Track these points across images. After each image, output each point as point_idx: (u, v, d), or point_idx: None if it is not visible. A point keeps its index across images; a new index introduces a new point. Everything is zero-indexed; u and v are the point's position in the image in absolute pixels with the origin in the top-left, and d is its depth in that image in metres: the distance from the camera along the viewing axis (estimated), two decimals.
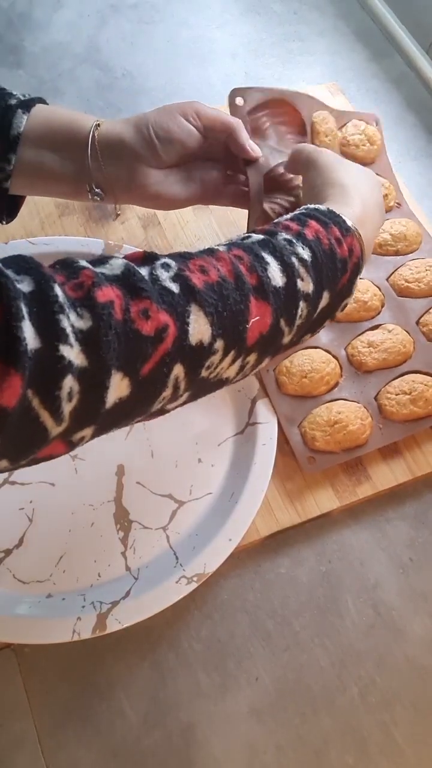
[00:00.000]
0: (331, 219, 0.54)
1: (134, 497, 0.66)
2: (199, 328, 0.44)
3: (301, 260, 0.50)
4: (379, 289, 0.79)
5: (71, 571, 0.61)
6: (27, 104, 0.59)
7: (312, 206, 0.55)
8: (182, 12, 1.09)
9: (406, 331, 0.76)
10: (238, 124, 0.65)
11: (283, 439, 0.70)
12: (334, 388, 0.72)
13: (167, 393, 0.44)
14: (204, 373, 0.46)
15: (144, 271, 0.43)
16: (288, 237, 0.51)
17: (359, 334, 0.76)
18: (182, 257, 0.46)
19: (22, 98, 0.60)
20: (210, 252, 0.48)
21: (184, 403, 0.48)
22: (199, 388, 0.47)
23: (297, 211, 0.55)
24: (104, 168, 0.61)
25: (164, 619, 0.62)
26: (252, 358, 0.49)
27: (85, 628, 0.57)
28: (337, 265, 0.53)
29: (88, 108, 0.95)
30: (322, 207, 0.55)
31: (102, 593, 0.60)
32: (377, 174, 0.86)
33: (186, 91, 1.00)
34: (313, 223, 0.53)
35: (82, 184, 0.62)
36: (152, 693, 0.60)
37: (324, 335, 0.75)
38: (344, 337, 0.75)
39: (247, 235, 0.51)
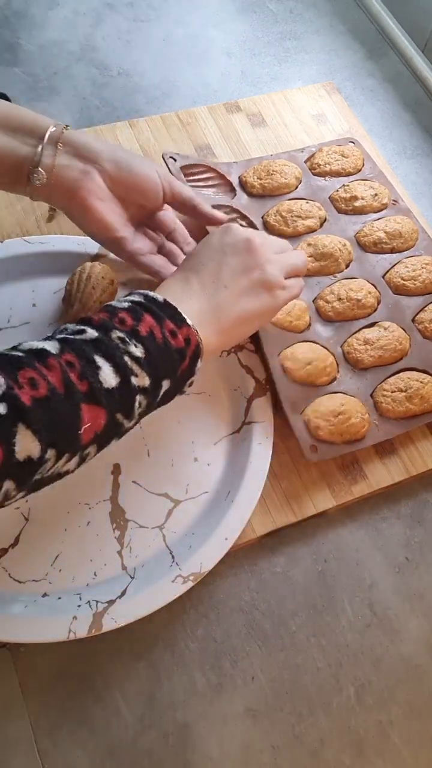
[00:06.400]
0: (166, 313, 0.54)
1: (130, 496, 0.65)
2: (27, 445, 0.44)
3: (134, 358, 0.51)
4: (375, 287, 0.79)
5: (67, 570, 0.61)
6: None
7: (151, 295, 0.55)
8: (178, 10, 1.09)
9: (402, 329, 0.76)
10: (201, 200, 0.68)
11: (279, 438, 0.69)
12: (332, 383, 0.72)
13: None
14: (37, 477, 0.47)
15: None
16: (121, 335, 0.51)
17: (355, 332, 0.76)
18: (12, 365, 0.46)
19: None
20: (41, 357, 0.47)
21: (26, 496, 0.48)
22: (35, 487, 0.48)
23: (136, 298, 0.55)
24: (57, 159, 0.60)
25: (160, 619, 0.62)
26: (92, 450, 0.50)
27: (80, 628, 0.57)
28: (174, 356, 0.54)
29: (84, 106, 0.95)
30: (159, 299, 0.55)
31: (98, 592, 0.60)
32: (365, 179, 0.87)
33: (181, 90, 0.99)
34: (147, 317, 0.53)
35: (23, 169, 0.61)
36: (148, 693, 0.60)
37: (320, 333, 0.75)
38: (340, 335, 0.75)
39: (81, 328, 0.51)
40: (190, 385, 0.58)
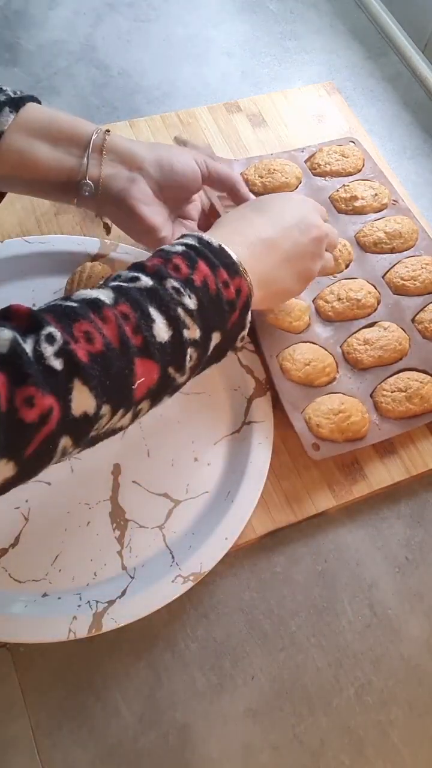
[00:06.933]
0: (221, 260, 0.54)
1: (130, 496, 0.65)
2: (83, 401, 0.44)
3: (187, 310, 0.51)
4: (375, 287, 0.79)
5: (67, 570, 0.61)
6: (16, 102, 0.59)
7: (206, 239, 0.55)
8: (178, 10, 1.09)
9: (402, 329, 0.76)
10: (239, 177, 0.68)
11: (279, 438, 0.69)
12: (332, 383, 0.72)
13: (55, 460, 0.45)
14: (93, 433, 0.47)
15: (28, 347, 0.43)
16: (176, 285, 0.51)
17: (355, 332, 0.76)
18: (68, 317, 0.46)
19: (13, 95, 0.59)
20: (97, 308, 0.47)
21: (82, 451, 0.49)
22: (91, 442, 0.48)
23: (190, 241, 0.55)
24: (103, 169, 0.61)
25: (160, 619, 0.62)
26: (144, 405, 0.50)
27: (80, 627, 0.57)
28: (224, 308, 0.53)
29: (84, 106, 0.95)
30: (214, 243, 0.55)
31: (98, 592, 0.60)
32: (365, 179, 0.87)
33: (182, 90, 0.99)
34: (202, 265, 0.53)
35: (71, 180, 0.61)
36: (148, 692, 0.60)
37: (319, 333, 0.75)
38: (339, 335, 0.75)
39: (134, 275, 0.51)
40: (242, 339, 0.58)
